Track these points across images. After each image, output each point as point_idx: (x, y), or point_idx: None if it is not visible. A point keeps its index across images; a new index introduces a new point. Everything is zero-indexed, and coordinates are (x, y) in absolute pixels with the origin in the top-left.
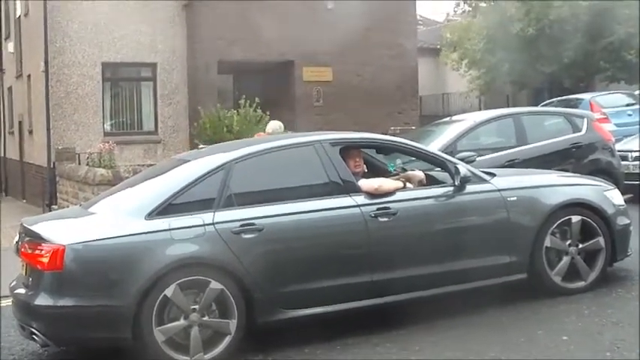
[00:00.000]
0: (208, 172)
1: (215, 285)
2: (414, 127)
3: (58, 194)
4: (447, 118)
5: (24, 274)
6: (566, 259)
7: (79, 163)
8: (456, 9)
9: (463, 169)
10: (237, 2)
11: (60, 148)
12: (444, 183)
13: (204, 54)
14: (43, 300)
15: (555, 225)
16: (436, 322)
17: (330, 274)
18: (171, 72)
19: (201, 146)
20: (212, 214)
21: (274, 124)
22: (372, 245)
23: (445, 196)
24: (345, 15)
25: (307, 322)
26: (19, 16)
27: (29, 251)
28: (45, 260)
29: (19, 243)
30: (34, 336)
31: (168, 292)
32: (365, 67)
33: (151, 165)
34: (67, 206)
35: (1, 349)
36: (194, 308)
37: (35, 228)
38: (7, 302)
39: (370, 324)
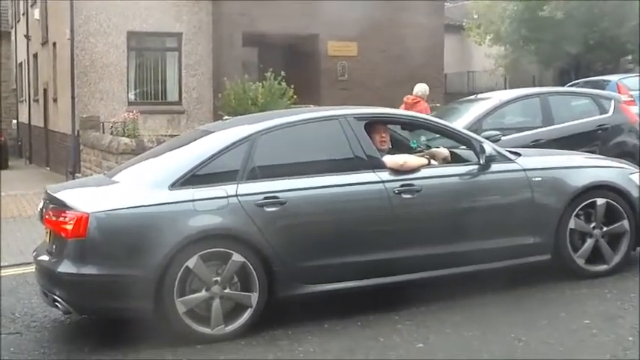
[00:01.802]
0: (233, 144)
1: (237, 257)
2: (438, 105)
3: (81, 162)
4: (473, 96)
5: (47, 241)
6: (590, 242)
7: (103, 132)
8: None
9: (488, 147)
10: None
11: (84, 116)
12: (468, 161)
13: (229, 26)
14: (66, 267)
15: (580, 207)
16: (457, 301)
17: (352, 249)
18: (197, 43)
19: (226, 118)
20: (235, 186)
21: (421, 86)
22: (395, 222)
23: (470, 174)
24: None
25: (328, 298)
26: None
27: (53, 218)
28: (69, 228)
29: (43, 210)
30: (56, 303)
31: (190, 263)
32: (390, 43)
33: (175, 135)
34: (91, 174)
35: (24, 315)
36: (216, 280)
37: (59, 195)
38: (27, 269)
39: (391, 301)
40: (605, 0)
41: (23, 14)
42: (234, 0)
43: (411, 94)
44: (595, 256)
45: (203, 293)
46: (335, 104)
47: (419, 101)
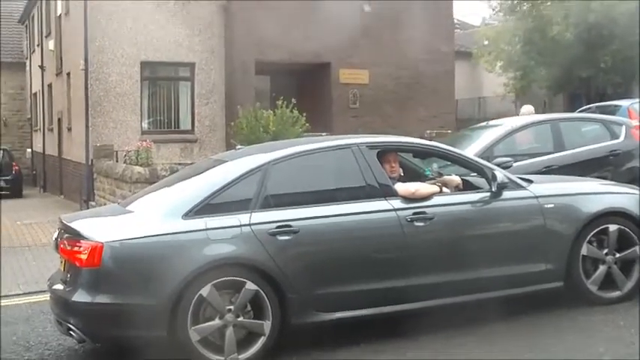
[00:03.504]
0: (246, 173)
1: (250, 286)
2: (450, 131)
3: (95, 191)
4: (484, 123)
5: (62, 270)
6: (602, 268)
7: (117, 161)
8: (493, 12)
9: (500, 174)
10: (274, 4)
11: (98, 145)
12: (480, 188)
13: (242, 55)
14: (80, 296)
15: (592, 233)
16: (471, 328)
17: (365, 277)
18: (209, 72)
19: (239, 147)
20: (249, 214)
21: (528, 107)
22: (408, 250)
23: (482, 201)
24: (382, 18)
25: (341, 325)
26: (60, 15)
27: (68, 248)
28: (83, 257)
29: (58, 239)
30: (71, 332)
31: (204, 291)
32: (401, 70)
33: (188, 164)
34: (104, 203)
35: (39, 343)
36: (229, 308)
37: (74, 225)
38: (42, 297)
39: (404, 328)
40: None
41: (38, 45)
42: (246, 28)
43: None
44: (608, 282)
45: (217, 321)
46: (347, 132)
47: None
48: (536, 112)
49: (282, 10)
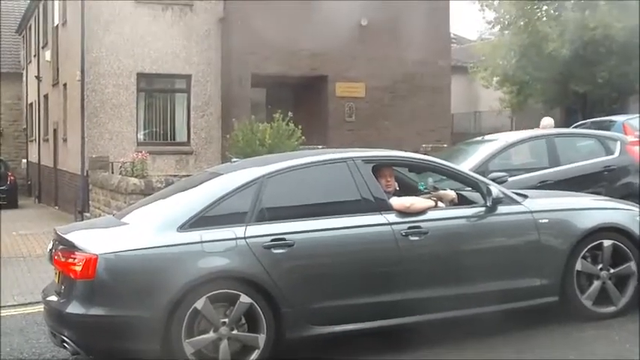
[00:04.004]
0: (241, 186)
1: (245, 299)
2: (445, 145)
3: (90, 202)
4: (479, 138)
5: (56, 281)
6: (597, 284)
7: (112, 172)
8: (489, 27)
9: (495, 189)
10: (272, 17)
11: (94, 156)
12: (475, 203)
13: (238, 67)
14: (74, 308)
15: (587, 249)
16: (464, 342)
17: (359, 291)
18: (205, 84)
19: (235, 159)
20: (244, 228)
21: (549, 120)
22: (403, 264)
23: (477, 216)
24: (379, 31)
25: (336, 339)
26: (57, 25)
27: (62, 259)
28: (78, 269)
29: (53, 251)
30: (64, 344)
31: (199, 304)
32: (398, 83)
33: (184, 176)
34: (99, 214)
35: (32, 354)
36: (224, 321)
37: (69, 237)
38: (36, 308)
39: (399, 342)
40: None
41: (35, 55)
42: (243, 40)
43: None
44: (602, 298)
45: (211, 334)
46: (342, 145)
47: None
48: (532, 127)
49: (279, 23)
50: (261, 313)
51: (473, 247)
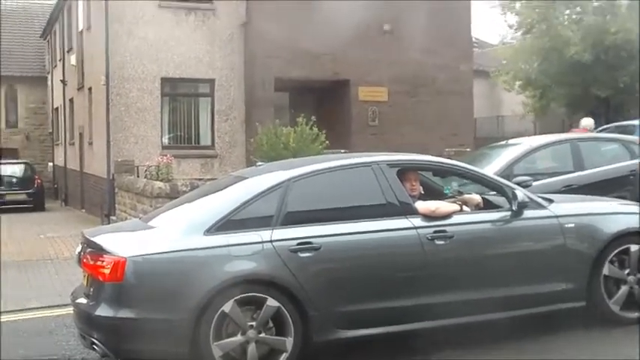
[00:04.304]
0: (266, 190)
1: (272, 302)
2: (469, 149)
3: (116, 205)
4: (503, 142)
5: (85, 284)
6: (624, 289)
7: (138, 176)
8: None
9: (520, 194)
10: (294, 21)
11: (119, 160)
12: (501, 207)
13: (261, 71)
14: (103, 311)
15: (614, 253)
16: (491, 346)
17: (385, 295)
18: (229, 88)
19: (260, 163)
20: (270, 231)
21: (588, 121)
22: (428, 268)
23: (502, 220)
24: (401, 36)
25: (362, 343)
26: (81, 30)
27: (91, 262)
28: (106, 271)
29: (82, 253)
30: (94, 346)
31: (226, 307)
32: (420, 88)
33: (209, 179)
34: (126, 217)
35: (62, 357)
36: (251, 325)
37: (97, 240)
38: (65, 311)
39: (424, 346)
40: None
41: (60, 60)
42: (265, 44)
43: (577, 128)
44: (629, 302)
45: (239, 337)
46: (365, 149)
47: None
48: (555, 131)
49: (302, 27)
50: (288, 316)
51: (498, 252)
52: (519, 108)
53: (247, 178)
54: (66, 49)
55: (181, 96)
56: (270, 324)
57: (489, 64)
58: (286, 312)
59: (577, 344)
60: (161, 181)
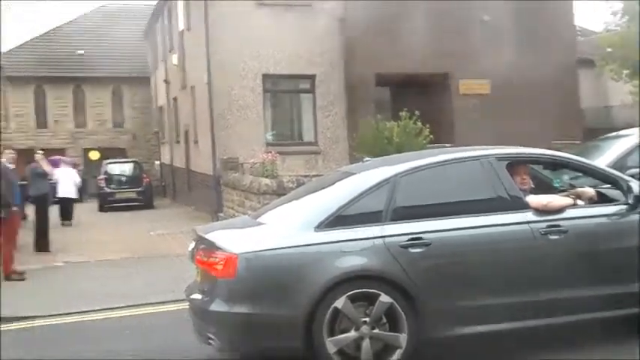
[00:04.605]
0: (375, 185)
1: (385, 298)
2: (578, 142)
3: (223, 202)
4: (614, 133)
5: (198, 280)
6: None
7: (243, 173)
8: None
9: (636, 186)
10: (392, 15)
11: (224, 157)
12: (616, 201)
13: (362, 67)
14: (217, 306)
15: None
16: (606, 344)
17: (497, 291)
18: (330, 84)
19: (366, 159)
20: (379, 227)
21: None
22: (542, 263)
23: (618, 214)
24: (501, 27)
25: (475, 340)
26: (182, 30)
27: (204, 259)
28: (219, 268)
29: (195, 250)
30: (210, 340)
31: (339, 303)
32: (523, 79)
33: (314, 176)
34: (234, 214)
35: (178, 352)
36: (364, 320)
37: (209, 236)
38: (179, 306)
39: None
40: None
41: (162, 60)
42: (364, 39)
43: None
44: None
45: (352, 333)
46: (468, 143)
47: None
48: None
49: (400, 21)
50: (401, 312)
51: (615, 246)
52: (629, 98)
53: (355, 173)
54: (168, 49)
55: (282, 92)
56: (384, 320)
57: (593, 52)
58: (399, 308)
59: None
60: (266, 177)
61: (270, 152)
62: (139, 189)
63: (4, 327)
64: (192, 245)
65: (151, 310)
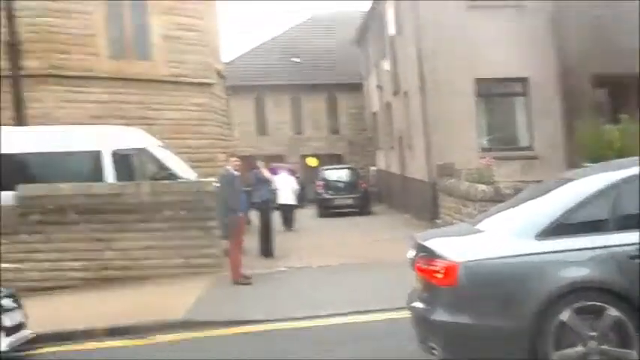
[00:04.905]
0: (597, 192)
1: (612, 312)
2: None
3: (439, 209)
4: None
5: (419, 288)
6: None
7: (459, 179)
8: None
9: None
10: (605, 14)
11: (440, 163)
12: None
13: (577, 67)
14: (439, 315)
15: None
16: None
17: None
18: (543, 86)
19: (587, 164)
20: (603, 236)
21: None
22: None
23: None
24: None
25: None
26: (393, 35)
27: (424, 266)
28: (439, 276)
29: (415, 258)
30: (433, 351)
31: (564, 316)
32: None
33: (532, 182)
34: (451, 221)
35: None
36: (592, 335)
37: (428, 244)
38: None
39: None
40: None
41: (374, 65)
42: (579, 39)
43: None
44: None
45: (580, 348)
46: None
47: None
48: None
49: (615, 20)
50: (632, 327)
51: None
52: None
53: (575, 180)
54: (379, 55)
55: (495, 96)
56: (611, 335)
57: None
58: (629, 322)
59: None
60: (483, 184)
61: (486, 158)
62: (357, 195)
63: (235, 330)
64: (411, 252)
65: (372, 317)
